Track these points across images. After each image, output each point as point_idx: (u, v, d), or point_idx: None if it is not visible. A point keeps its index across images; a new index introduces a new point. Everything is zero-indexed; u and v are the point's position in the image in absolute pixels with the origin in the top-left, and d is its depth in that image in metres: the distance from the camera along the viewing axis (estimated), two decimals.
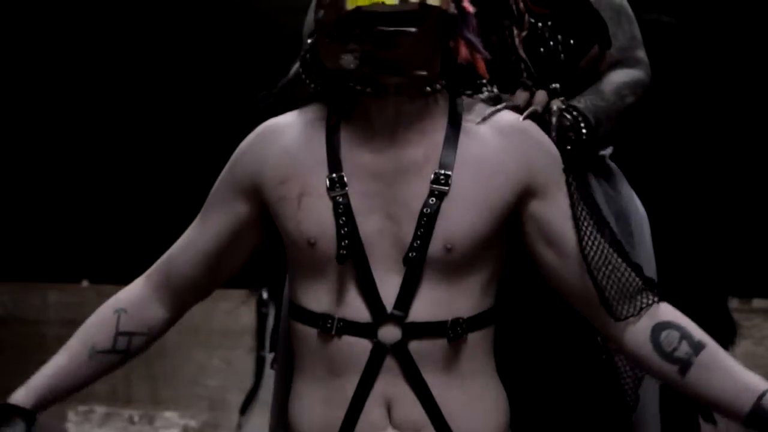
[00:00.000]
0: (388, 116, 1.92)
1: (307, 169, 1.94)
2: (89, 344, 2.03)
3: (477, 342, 1.91)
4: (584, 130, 2.10)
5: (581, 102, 2.14)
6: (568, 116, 2.09)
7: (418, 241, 1.87)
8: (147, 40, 7.78)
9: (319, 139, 1.96)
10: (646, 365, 1.91)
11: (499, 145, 1.94)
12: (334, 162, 1.92)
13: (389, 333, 1.87)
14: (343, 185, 1.90)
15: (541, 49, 2.12)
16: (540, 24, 2.13)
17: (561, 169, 1.96)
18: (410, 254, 1.87)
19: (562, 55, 2.14)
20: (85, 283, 6.43)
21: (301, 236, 1.91)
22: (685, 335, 1.88)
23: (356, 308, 1.88)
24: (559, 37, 2.13)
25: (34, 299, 6.03)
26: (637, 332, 1.90)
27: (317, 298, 1.92)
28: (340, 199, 1.89)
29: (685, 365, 1.86)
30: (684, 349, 1.87)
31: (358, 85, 1.93)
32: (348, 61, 1.90)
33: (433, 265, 1.88)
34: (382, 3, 1.83)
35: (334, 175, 1.91)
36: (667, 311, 1.92)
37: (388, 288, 1.88)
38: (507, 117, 1.99)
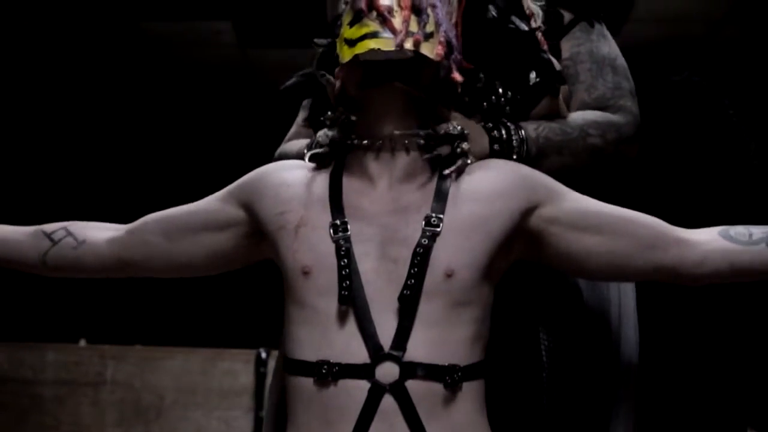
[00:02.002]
0: (383, 166, 1.99)
1: (306, 203, 2.00)
2: (42, 227, 2.16)
3: (471, 394, 1.91)
4: (515, 151, 2.09)
5: (534, 128, 2.13)
6: (503, 133, 2.09)
7: (413, 280, 1.90)
8: (148, 99, 7.81)
9: (321, 179, 2.03)
10: (733, 262, 1.93)
11: (491, 177, 2.00)
12: (337, 207, 1.97)
13: (387, 372, 1.88)
14: (346, 229, 1.94)
15: (485, 104, 2.13)
16: (482, 76, 2.13)
17: (554, 182, 2.02)
18: (405, 292, 1.90)
19: (508, 108, 2.13)
20: (82, 343, 6.41)
21: (295, 265, 1.95)
22: (748, 226, 1.96)
23: (353, 350, 1.89)
24: (500, 90, 2.13)
25: (31, 359, 5.99)
26: (711, 244, 1.93)
27: (312, 342, 1.92)
28: (343, 242, 1.93)
29: None
30: (757, 232, 1.94)
31: (356, 139, 2.01)
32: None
33: (430, 299, 1.90)
34: (379, 50, 1.91)
35: (337, 221, 1.95)
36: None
37: (385, 327, 1.89)
38: (498, 159, 2.07)
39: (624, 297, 2.23)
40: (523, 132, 2.10)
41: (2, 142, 7.67)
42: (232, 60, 7.29)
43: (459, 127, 2.01)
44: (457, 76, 2.01)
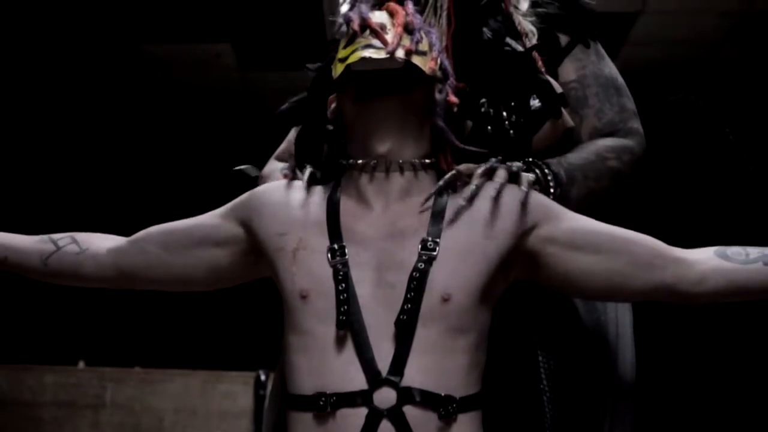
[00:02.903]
0: (378, 187, 1.99)
1: (304, 226, 1.99)
2: (50, 235, 2.16)
3: (467, 424, 1.90)
4: (552, 184, 2.09)
5: (554, 160, 2.13)
6: (536, 171, 2.08)
7: (409, 304, 1.89)
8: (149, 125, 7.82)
9: (319, 202, 2.02)
10: (731, 280, 1.92)
11: (487, 198, 1.98)
12: (335, 231, 1.97)
13: (384, 398, 1.86)
14: (344, 254, 1.94)
15: (489, 127, 2.12)
16: (484, 101, 2.12)
17: (551, 202, 2.01)
18: (401, 317, 1.88)
19: (511, 132, 2.12)
20: (81, 365, 6.40)
21: (293, 288, 1.94)
22: (744, 246, 1.95)
23: (350, 375, 1.88)
24: (505, 113, 2.12)
25: (30, 381, 5.99)
26: (708, 263, 1.93)
27: (310, 369, 1.91)
28: (340, 267, 1.93)
29: (765, 257, 1.92)
30: (752, 251, 1.93)
31: (350, 159, 2.02)
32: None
33: (427, 324, 1.89)
34: (371, 58, 1.92)
35: (335, 245, 1.95)
36: None
37: (383, 352, 1.88)
38: (491, 181, 2.04)
39: (621, 317, 2.22)
40: (554, 167, 2.09)
41: (3, 162, 7.68)
42: (231, 82, 7.30)
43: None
44: (453, 99, 2.01)
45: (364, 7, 2.00)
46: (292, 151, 2.34)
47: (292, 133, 2.39)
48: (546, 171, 2.08)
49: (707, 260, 1.93)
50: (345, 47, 1.98)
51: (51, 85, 7.41)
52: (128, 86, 7.49)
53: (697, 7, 6.41)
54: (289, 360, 1.96)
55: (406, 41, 1.95)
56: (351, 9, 2.01)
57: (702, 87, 7.43)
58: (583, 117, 2.21)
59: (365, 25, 1.97)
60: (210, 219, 2.10)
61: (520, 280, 2.02)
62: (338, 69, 1.97)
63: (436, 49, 2.00)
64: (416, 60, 1.94)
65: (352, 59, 1.93)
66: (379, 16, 2.00)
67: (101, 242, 2.13)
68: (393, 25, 1.97)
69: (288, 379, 1.96)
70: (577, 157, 2.13)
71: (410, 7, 2.02)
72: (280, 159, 2.40)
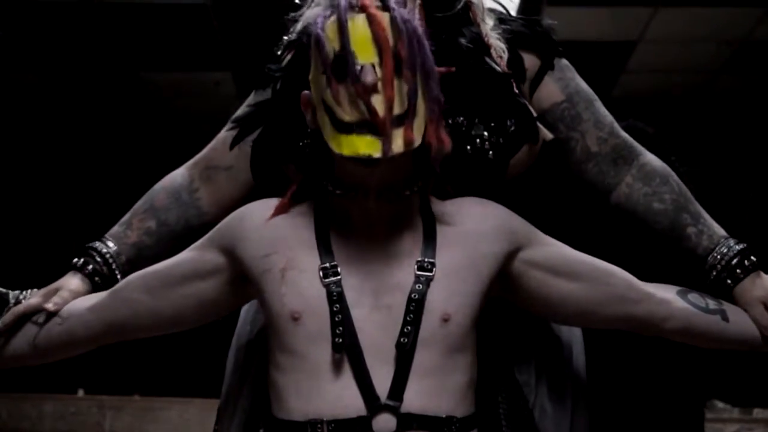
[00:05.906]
0: (367, 217, 1.92)
1: (291, 245, 1.93)
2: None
3: None
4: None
5: (720, 229, 2.11)
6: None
7: (409, 327, 1.85)
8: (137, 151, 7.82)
9: (305, 219, 1.96)
10: (692, 324, 1.98)
11: (476, 219, 1.97)
12: (326, 250, 1.92)
13: (384, 425, 1.82)
14: (337, 273, 1.89)
15: (468, 147, 2.09)
16: (463, 119, 2.08)
17: (533, 227, 2.01)
18: (402, 339, 1.84)
19: (491, 153, 2.10)
20: (80, 393, 6.38)
21: (283, 309, 1.88)
22: (703, 295, 2.01)
23: (346, 401, 1.83)
24: (485, 134, 2.09)
25: (29, 410, 5.97)
26: (675, 303, 1.98)
27: (301, 393, 1.86)
28: (334, 287, 1.88)
29: (722, 312, 1.99)
30: (710, 301, 2.00)
31: (339, 189, 1.93)
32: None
33: (426, 346, 1.85)
34: (370, 157, 1.81)
35: (327, 264, 1.90)
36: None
37: (381, 377, 1.83)
38: (472, 198, 2.02)
39: (576, 343, 2.23)
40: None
41: (4, 188, 7.69)
42: (231, 110, 7.29)
43: None
44: (447, 141, 1.89)
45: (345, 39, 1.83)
46: (214, 158, 2.27)
47: (222, 136, 2.30)
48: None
49: (674, 300, 1.98)
50: (335, 96, 1.83)
51: (51, 113, 7.43)
52: (128, 114, 7.51)
53: (695, 36, 6.43)
54: (275, 380, 1.90)
55: (398, 103, 1.81)
56: (317, 23, 1.86)
57: (700, 115, 7.45)
58: (584, 132, 2.20)
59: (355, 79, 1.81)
60: (189, 254, 2.03)
61: (492, 297, 2.01)
62: (333, 140, 1.83)
63: (433, 94, 1.86)
64: (417, 140, 1.83)
65: (347, 151, 1.82)
66: (359, 31, 1.84)
67: (81, 303, 2.06)
68: (381, 64, 1.82)
69: (274, 401, 1.90)
70: (705, 212, 2.14)
71: (405, 38, 1.85)
72: (202, 165, 2.31)
